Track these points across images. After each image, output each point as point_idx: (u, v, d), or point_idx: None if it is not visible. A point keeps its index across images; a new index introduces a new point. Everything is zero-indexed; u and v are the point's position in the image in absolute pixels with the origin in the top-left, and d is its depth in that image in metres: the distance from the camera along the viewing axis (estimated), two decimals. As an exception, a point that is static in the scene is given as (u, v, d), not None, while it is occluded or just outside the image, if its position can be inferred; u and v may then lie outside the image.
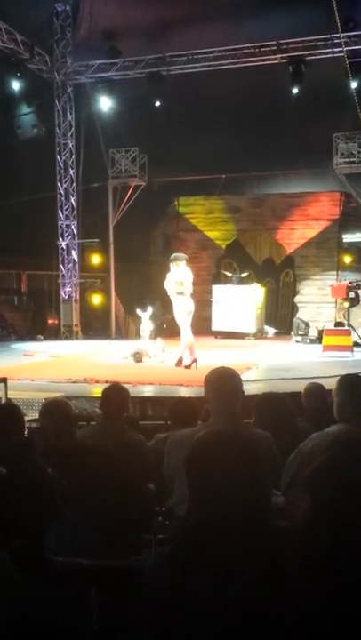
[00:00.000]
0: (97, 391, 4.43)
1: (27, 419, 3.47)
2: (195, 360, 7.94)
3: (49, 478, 1.63)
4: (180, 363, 8.08)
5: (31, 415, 5.03)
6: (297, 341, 12.50)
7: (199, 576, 1.32)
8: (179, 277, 8.05)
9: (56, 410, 2.78)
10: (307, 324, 13.19)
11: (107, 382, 5.30)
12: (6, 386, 5.22)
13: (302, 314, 14.17)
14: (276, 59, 12.21)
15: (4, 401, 4.94)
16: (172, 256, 8.43)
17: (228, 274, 14.20)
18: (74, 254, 14.15)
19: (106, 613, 1.75)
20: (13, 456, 1.83)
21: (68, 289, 14.18)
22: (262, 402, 3.30)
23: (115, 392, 3.42)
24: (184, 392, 5.93)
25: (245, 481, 1.37)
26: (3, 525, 1.56)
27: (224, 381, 2.48)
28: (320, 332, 11.32)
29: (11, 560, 1.48)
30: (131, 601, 1.83)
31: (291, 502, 2.34)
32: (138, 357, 8.89)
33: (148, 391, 6.43)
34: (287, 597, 1.29)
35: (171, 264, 8.22)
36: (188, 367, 7.89)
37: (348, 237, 14.39)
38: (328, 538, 1.33)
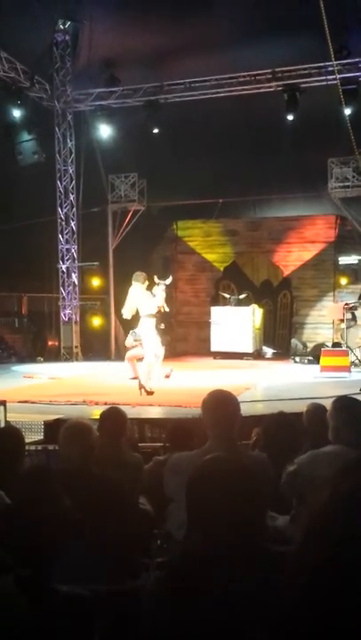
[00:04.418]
0: (96, 413, 4.44)
1: (26, 441, 3.48)
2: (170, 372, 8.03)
3: (66, 509, 1.56)
4: (142, 387, 7.51)
5: (30, 438, 5.05)
6: (295, 362, 12.54)
7: (197, 602, 1.32)
8: (150, 299, 7.81)
9: (78, 435, 2.59)
10: (305, 345, 13.24)
11: (106, 404, 5.31)
12: (5, 409, 5.21)
13: (300, 334, 14.25)
14: (271, 86, 12.46)
15: (3, 424, 4.92)
16: (140, 275, 7.92)
17: (227, 295, 14.29)
18: (74, 277, 14.24)
19: (105, 637, 1.75)
20: (30, 482, 1.69)
21: (68, 311, 14.23)
22: (271, 423, 3.32)
23: (113, 415, 3.46)
24: (183, 414, 5.94)
25: (245, 509, 1.37)
26: (12, 553, 1.53)
27: (221, 405, 2.50)
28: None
29: (16, 586, 1.46)
30: (130, 625, 1.83)
31: (302, 524, 2.35)
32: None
33: (147, 413, 6.44)
34: (287, 623, 1.30)
35: (138, 282, 7.83)
36: (168, 376, 7.93)
37: (343, 259, 14.55)
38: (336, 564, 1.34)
